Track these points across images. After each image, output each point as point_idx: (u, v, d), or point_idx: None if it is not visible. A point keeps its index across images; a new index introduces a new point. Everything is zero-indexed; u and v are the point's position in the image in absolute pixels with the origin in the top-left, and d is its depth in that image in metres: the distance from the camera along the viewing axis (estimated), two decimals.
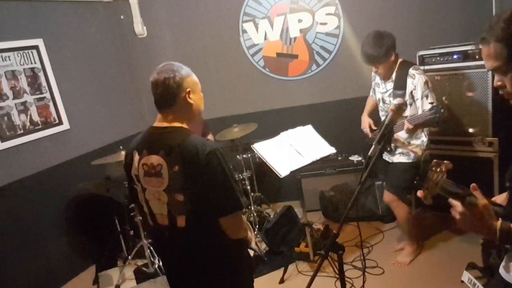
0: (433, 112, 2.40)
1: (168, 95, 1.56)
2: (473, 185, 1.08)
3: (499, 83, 1.15)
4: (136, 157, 1.62)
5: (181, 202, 1.53)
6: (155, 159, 1.55)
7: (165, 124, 1.59)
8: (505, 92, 1.15)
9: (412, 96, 2.65)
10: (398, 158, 2.84)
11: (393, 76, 2.74)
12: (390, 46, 2.61)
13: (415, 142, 2.79)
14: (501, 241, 1.08)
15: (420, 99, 2.60)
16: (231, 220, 1.56)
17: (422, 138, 2.77)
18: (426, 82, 2.59)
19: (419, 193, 1.10)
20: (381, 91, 2.89)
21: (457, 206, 1.07)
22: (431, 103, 2.53)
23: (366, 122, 3.09)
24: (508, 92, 1.14)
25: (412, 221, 3.05)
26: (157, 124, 1.63)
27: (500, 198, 1.33)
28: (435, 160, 1.06)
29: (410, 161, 2.80)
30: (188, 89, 1.59)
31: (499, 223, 1.07)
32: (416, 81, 2.59)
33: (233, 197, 1.54)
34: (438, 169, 1.05)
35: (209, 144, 1.53)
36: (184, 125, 1.61)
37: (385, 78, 2.80)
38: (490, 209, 1.07)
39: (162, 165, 1.53)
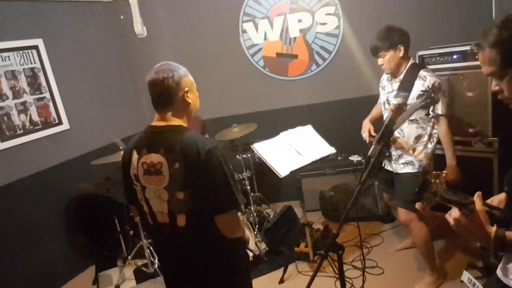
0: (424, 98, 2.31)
1: (167, 94, 1.57)
2: (478, 193, 1.07)
3: (496, 87, 1.16)
4: (135, 156, 1.63)
5: (181, 200, 1.54)
6: (155, 158, 1.56)
7: (164, 123, 1.61)
8: (503, 96, 1.16)
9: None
10: (403, 168, 2.65)
11: (401, 76, 2.60)
12: (398, 39, 2.51)
13: (419, 147, 2.61)
14: (495, 249, 1.07)
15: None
16: (227, 219, 1.57)
17: (424, 141, 2.59)
18: (439, 85, 2.47)
19: (418, 205, 1.11)
20: (387, 91, 2.74)
21: (453, 211, 1.08)
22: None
23: (366, 127, 2.90)
24: (506, 97, 1.15)
25: (431, 243, 2.74)
26: (155, 123, 1.64)
27: (497, 199, 1.32)
28: (434, 172, 1.07)
29: (415, 170, 2.61)
30: (186, 88, 1.61)
31: (493, 230, 1.05)
32: (427, 82, 2.45)
33: (229, 196, 1.54)
34: (437, 181, 1.05)
35: (209, 141, 1.55)
36: (183, 123, 1.63)
37: (393, 74, 2.65)
38: (485, 216, 1.07)
39: (163, 163, 1.54)
